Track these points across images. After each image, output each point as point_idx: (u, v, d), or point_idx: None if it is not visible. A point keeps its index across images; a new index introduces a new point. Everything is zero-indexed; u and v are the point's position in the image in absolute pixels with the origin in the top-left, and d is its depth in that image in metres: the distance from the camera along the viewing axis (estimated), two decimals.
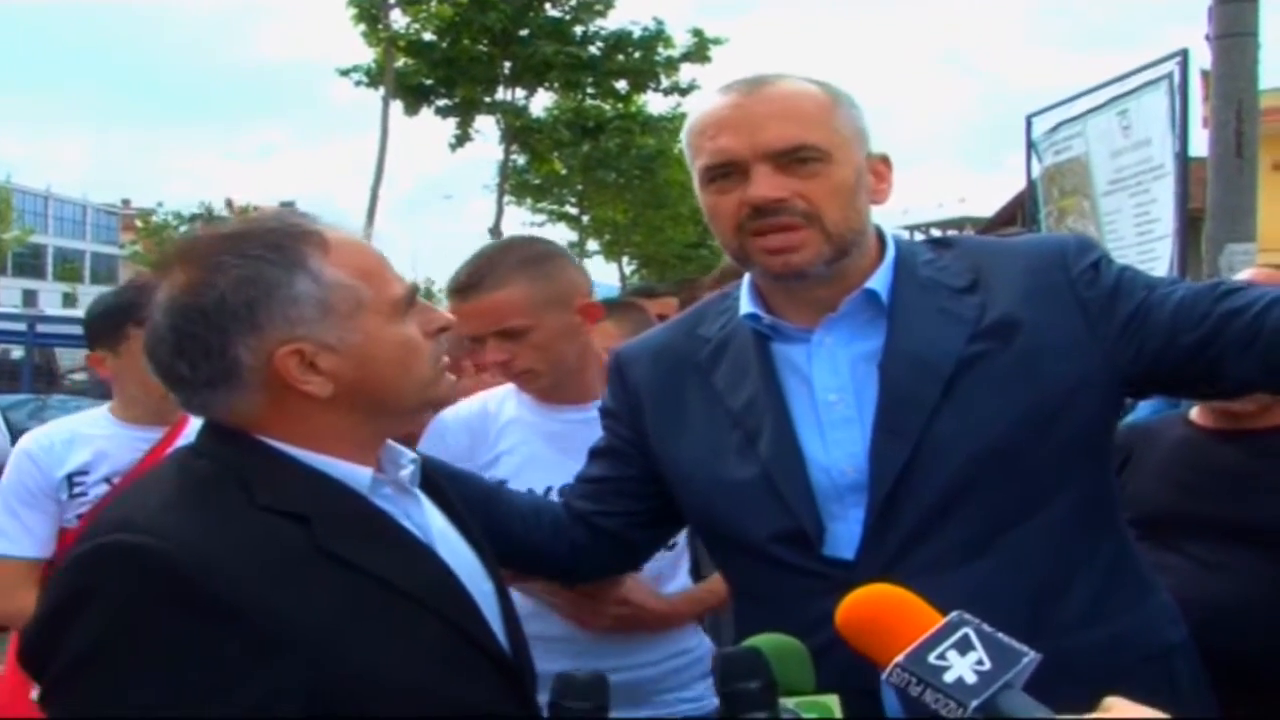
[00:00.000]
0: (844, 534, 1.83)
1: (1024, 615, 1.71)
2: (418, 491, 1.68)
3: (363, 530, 1.52)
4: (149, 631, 1.33)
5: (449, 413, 2.58)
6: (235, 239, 1.54)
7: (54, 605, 1.40)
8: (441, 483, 1.77)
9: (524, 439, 2.56)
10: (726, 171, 1.86)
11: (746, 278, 2.00)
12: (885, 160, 1.96)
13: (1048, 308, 1.85)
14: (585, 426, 2.36)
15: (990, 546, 1.78)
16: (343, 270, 1.54)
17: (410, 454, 1.68)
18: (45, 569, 3.14)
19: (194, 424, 3.27)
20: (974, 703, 1.24)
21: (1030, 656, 1.28)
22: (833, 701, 1.50)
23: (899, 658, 1.29)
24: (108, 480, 3.17)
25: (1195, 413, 2.96)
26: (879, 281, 1.89)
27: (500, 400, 2.64)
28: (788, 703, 1.49)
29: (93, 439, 3.21)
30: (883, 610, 1.38)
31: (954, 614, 1.32)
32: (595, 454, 2.20)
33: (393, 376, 1.57)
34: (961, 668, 1.26)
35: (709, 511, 1.99)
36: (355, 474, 1.56)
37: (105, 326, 3.23)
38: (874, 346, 1.87)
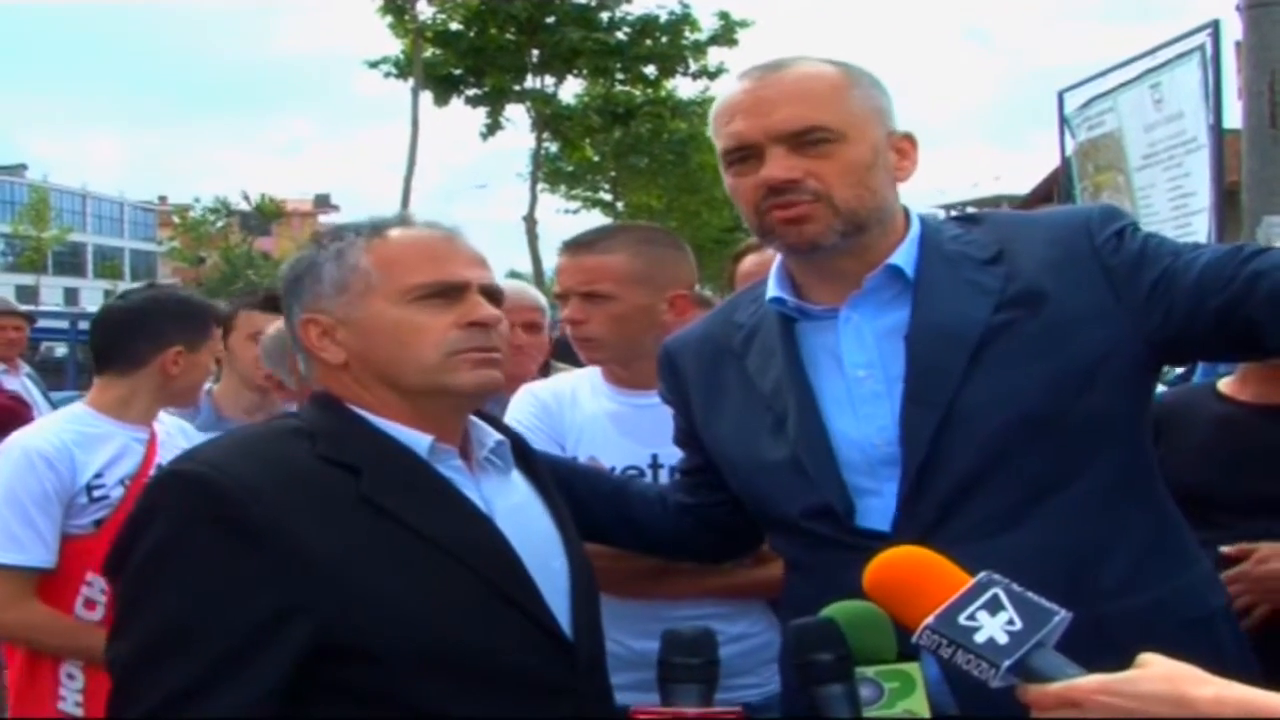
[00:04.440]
0: (878, 506, 1.86)
1: (1061, 583, 1.71)
2: (512, 471, 1.86)
3: (410, 486, 1.70)
4: (188, 545, 1.58)
5: (532, 386, 2.75)
6: (323, 234, 1.87)
7: (129, 522, 1.66)
8: (539, 469, 1.94)
9: (591, 417, 2.62)
10: (744, 155, 1.92)
11: (775, 263, 2.04)
12: (909, 138, 1.98)
13: (1072, 277, 1.86)
14: (646, 411, 2.46)
15: (1026, 515, 1.80)
16: (369, 258, 1.77)
17: (495, 435, 1.86)
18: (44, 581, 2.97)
19: (164, 427, 3.22)
20: (1006, 663, 1.25)
21: (1061, 615, 1.29)
22: (915, 670, 1.48)
23: (929, 620, 1.30)
24: (121, 482, 3.05)
25: (1227, 386, 2.89)
26: (902, 257, 1.92)
27: (576, 380, 2.72)
28: (867, 671, 1.47)
29: (98, 440, 3.07)
30: (911, 572, 1.38)
31: (983, 574, 1.32)
32: (677, 443, 2.28)
33: (389, 353, 1.75)
34: (992, 628, 1.27)
35: (750, 492, 2.05)
36: (415, 439, 1.74)
37: (200, 319, 3.22)
38: (900, 320, 1.89)
